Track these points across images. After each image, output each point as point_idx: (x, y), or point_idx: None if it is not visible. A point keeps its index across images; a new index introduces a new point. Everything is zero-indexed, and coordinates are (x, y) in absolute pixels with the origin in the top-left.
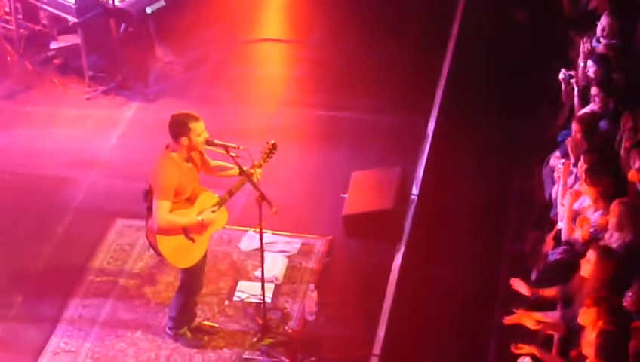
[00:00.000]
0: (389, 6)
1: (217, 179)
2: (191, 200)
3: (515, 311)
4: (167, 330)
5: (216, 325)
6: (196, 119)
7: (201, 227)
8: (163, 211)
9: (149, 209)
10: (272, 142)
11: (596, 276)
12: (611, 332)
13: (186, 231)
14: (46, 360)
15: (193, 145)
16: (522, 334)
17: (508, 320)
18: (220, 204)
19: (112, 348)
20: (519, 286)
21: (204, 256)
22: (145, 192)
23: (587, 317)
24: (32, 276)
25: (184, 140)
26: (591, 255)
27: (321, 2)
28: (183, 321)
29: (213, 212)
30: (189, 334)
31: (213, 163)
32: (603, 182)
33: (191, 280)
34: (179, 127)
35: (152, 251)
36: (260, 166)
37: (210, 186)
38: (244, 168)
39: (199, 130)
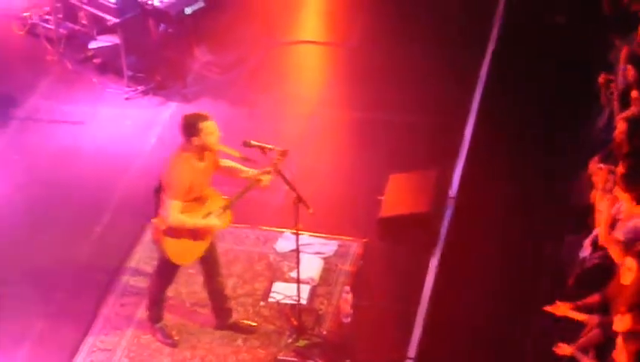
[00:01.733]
0: (428, 8)
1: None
2: (200, 201)
3: (557, 302)
4: (147, 320)
5: (254, 324)
6: (206, 118)
7: (207, 231)
8: (175, 211)
9: (157, 205)
10: (283, 148)
11: (637, 283)
12: None
13: (192, 233)
14: (82, 358)
15: (205, 145)
16: (560, 338)
17: (551, 309)
18: (227, 207)
19: (147, 347)
20: (559, 310)
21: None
22: (155, 189)
23: (622, 323)
24: (70, 274)
25: (195, 140)
26: (631, 263)
27: (359, 4)
28: (159, 314)
29: (220, 216)
30: (164, 330)
31: (224, 163)
32: (637, 188)
33: (169, 272)
34: (189, 127)
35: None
36: (269, 172)
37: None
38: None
39: (210, 129)
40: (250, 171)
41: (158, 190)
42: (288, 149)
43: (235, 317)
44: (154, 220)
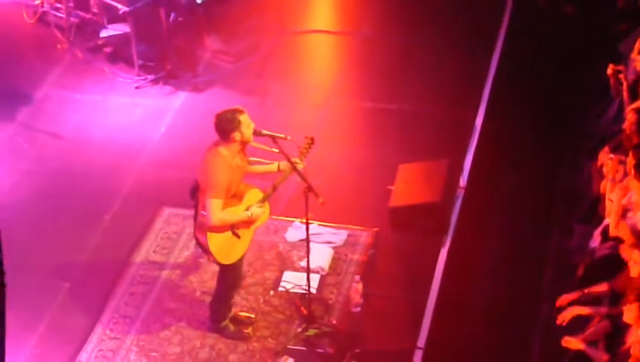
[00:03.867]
0: None
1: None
2: (238, 198)
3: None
4: (209, 323)
5: (252, 316)
6: (242, 111)
7: (249, 223)
8: (217, 210)
9: (196, 207)
10: (311, 136)
11: None
12: None
13: (234, 227)
14: (92, 347)
15: (245, 138)
16: (568, 328)
17: (561, 317)
18: (265, 199)
19: (157, 335)
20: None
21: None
22: (192, 190)
23: (631, 314)
24: (80, 263)
25: (237, 135)
26: (637, 256)
27: None
28: (225, 313)
29: (260, 207)
30: (231, 326)
31: (251, 160)
32: None
33: (231, 273)
34: (228, 122)
35: (198, 248)
36: (298, 163)
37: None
38: (292, 160)
39: (248, 122)
40: (277, 163)
41: (195, 191)
42: (314, 136)
43: (234, 310)
44: (197, 220)
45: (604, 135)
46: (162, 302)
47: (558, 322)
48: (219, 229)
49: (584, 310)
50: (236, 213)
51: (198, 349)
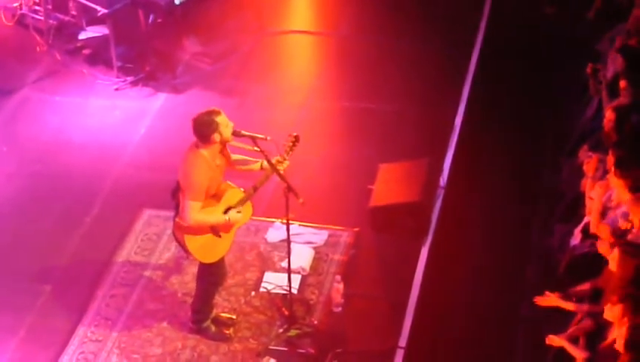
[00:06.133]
0: None
1: (238, 173)
2: (217, 197)
3: (547, 293)
4: (191, 324)
5: (234, 316)
6: (219, 112)
7: (228, 225)
8: (194, 212)
9: (177, 206)
10: (295, 134)
11: (621, 273)
12: None
13: (214, 229)
14: (73, 350)
15: (225, 138)
16: (550, 326)
17: (540, 300)
18: (246, 199)
19: (138, 337)
20: (548, 301)
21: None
22: (173, 190)
23: (613, 313)
24: (61, 266)
25: (216, 136)
26: (614, 252)
27: None
28: (207, 314)
29: (239, 212)
30: (213, 327)
31: (234, 157)
32: (632, 175)
33: (213, 271)
34: (206, 126)
35: (179, 249)
36: (282, 161)
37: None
38: (274, 159)
39: (226, 122)
40: (260, 162)
41: (176, 191)
42: (299, 135)
43: (215, 311)
44: (176, 220)
45: (583, 133)
46: (144, 304)
47: (536, 302)
48: (197, 231)
49: (569, 305)
50: (214, 214)
51: (180, 351)
